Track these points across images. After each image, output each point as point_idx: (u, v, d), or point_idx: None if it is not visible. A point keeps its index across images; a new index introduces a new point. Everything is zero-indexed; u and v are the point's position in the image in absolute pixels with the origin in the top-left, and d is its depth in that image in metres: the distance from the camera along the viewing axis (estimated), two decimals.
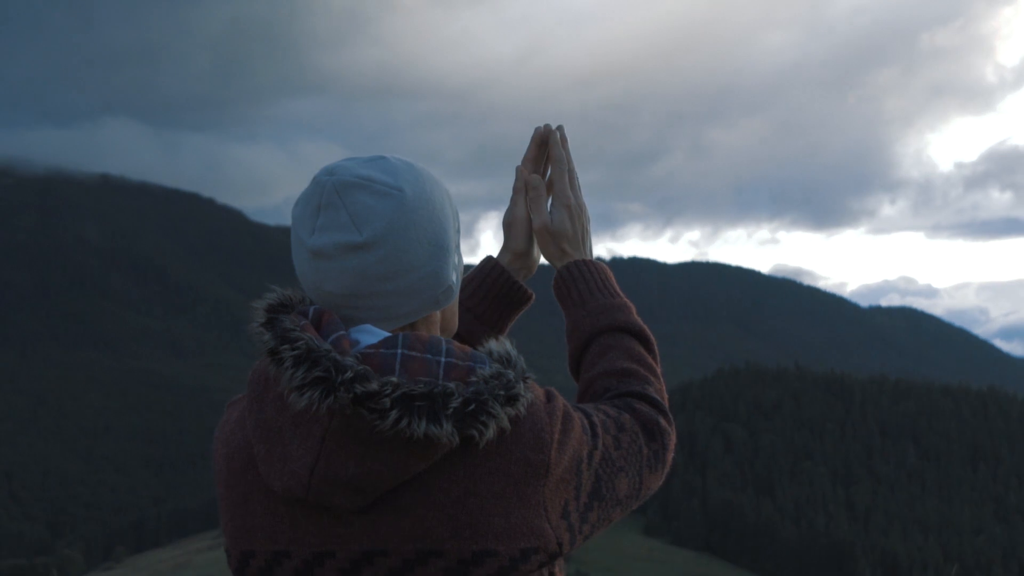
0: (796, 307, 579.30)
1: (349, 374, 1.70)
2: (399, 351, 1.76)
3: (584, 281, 2.21)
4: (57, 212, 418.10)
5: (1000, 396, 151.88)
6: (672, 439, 2.04)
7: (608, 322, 2.16)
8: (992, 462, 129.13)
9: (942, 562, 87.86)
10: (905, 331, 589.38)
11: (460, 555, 1.76)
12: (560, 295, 2.24)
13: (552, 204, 2.23)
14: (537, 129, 2.30)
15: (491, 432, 1.73)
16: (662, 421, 2.02)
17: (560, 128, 2.28)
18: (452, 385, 1.73)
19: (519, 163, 2.28)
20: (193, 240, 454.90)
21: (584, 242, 2.27)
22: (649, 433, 1.99)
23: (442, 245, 1.89)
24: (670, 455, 2.04)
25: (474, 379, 1.75)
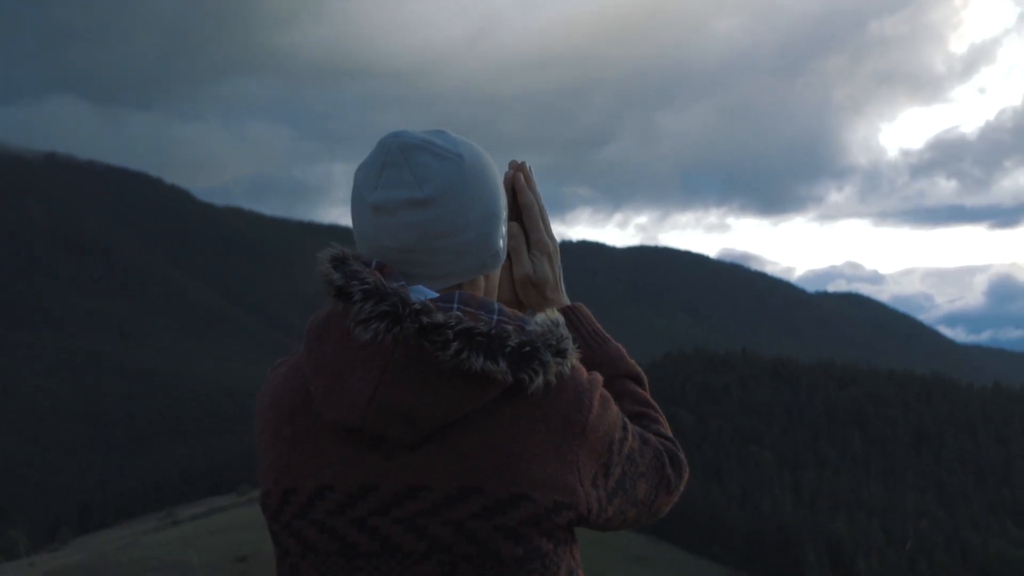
0: (744, 292, 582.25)
1: (417, 306, 1.83)
2: (456, 305, 1.88)
3: (576, 332, 2.22)
4: (1, 191, 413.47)
5: (944, 382, 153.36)
6: (687, 472, 2.18)
7: (610, 372, 2.21)
8: (936, 447, 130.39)
9: (886, 546, 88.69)
10: (851, 317, 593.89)
11: (499, 495, 1.85)
12: None
13: (531, 252, 2.26)
14: (506, 175, 2.29)
15: (540, 380, 1.85)
16: (680, 454, 2.16)
17: (523, 165, 2.31)
18: (510, 327, 1.87)
19: None
20: (140, 220, 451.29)
21: (561, 285, 2.32)
22: (671, 458, 2.13)
23: (494, 212, 2.01)
24: (684, 483, 2.18)
25: (528, 331, 1.89)
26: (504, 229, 2.07)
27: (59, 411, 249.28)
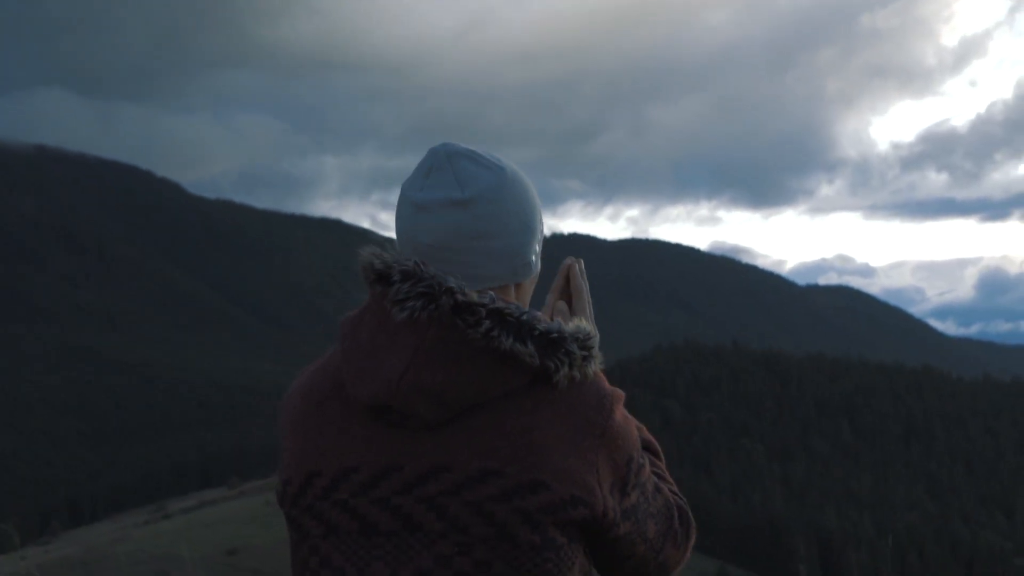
0: (734, 285, 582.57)
1: (453, 284, 1.95)
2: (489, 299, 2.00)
3: None
4: None
5: (934, 375, 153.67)
6: (695, 533, 2.24)
7: None
8: (926, 440, 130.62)
9: (876, 538, 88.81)
10: (842, 310, 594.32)
11: (518, 479, 1.92)
12: None
13: None
14: (563, 262, 2.44)
15: (565, 370, 1.97)
16: (689, 512, 2.23)
17: (580, 261, 2.46)
18: (539, 314, 2.01)
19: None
20: (131, 213, 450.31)
21: None
22: (680, 513, 2.21)
23: (529, 225, 2.11)
24: (691, 545, 2.24)
25: (556, 323, 2.02)
26: (538, 247, 2.17)
27: (49, 404, 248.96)
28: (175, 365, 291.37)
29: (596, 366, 2.03)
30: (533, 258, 2.15)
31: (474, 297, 1.95)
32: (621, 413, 2.05)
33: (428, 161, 2.09)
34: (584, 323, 2.07)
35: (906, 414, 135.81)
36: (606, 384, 2.06)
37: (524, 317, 1.97)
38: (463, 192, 2.03)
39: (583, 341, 2.01)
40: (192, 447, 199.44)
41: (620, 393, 2.07)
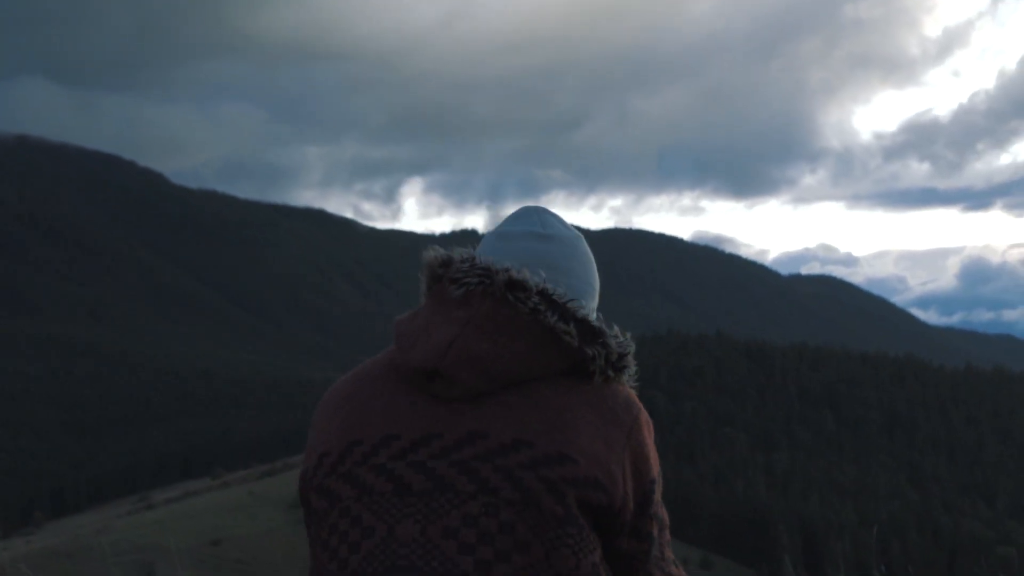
0: (718, 275, 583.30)
1: (507, 264, 2.17)
2: None
3: None
4: None
5: (917, 364, 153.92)
6: None
7: None
8: (909, 429, 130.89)
9: (858, 527, 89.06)
10: (825, 299, 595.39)
11: (547, 450, 2.05)
12: None
13: None
14: None
15: (601, 362, 2.15)
16: None
17: None
18: (583, 302, 2.25)
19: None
20: (114, 203, 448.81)
21: None
22: None
23: (592, 283, 2.34)
24: None
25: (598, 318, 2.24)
26: (594, 306, 2.36)
27: (31, 394, 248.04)
28: (158, 355, 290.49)
29: (628, 377, 2.21)
30: (588, 310, 2.31)
31: (527, 276, 2.13)
32: (649, 433, 2.20)
33: (517, 212, 2.34)
34: (624, 335, 2.21)
35: (889, 403, 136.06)
36: (634, 395, 2.21)
37: (569, 303, 2.14)
38: (544, 230, 2.27)
39: (621, 342, 2.18)
40: (175, 437, 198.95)
41: (648, 417, 2.21)
